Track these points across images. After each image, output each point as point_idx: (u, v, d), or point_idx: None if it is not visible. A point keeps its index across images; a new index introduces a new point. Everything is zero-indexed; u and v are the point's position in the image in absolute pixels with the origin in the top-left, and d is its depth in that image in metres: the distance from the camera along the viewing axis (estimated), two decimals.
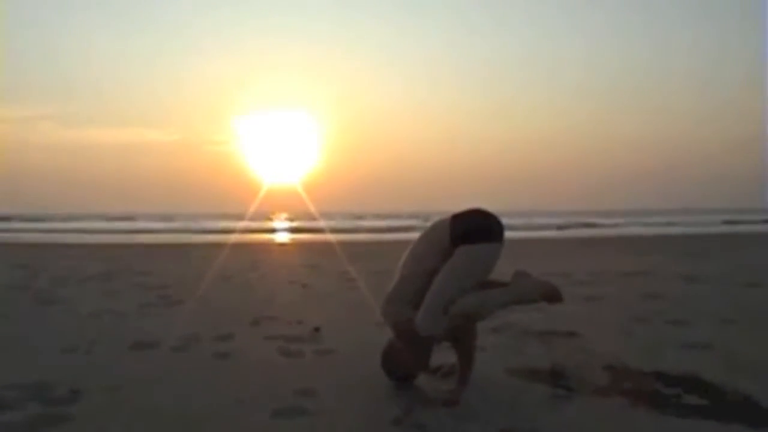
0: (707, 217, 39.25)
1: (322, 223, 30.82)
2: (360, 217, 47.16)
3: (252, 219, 35.57)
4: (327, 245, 14.52)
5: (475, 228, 2.59)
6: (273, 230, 28.50)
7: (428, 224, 2.90)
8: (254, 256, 11.10)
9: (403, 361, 2.75)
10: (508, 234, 2.75)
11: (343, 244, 13.99)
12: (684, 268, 7.82)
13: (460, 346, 2.75)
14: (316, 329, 4.11)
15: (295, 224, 35.79)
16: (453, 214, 2.69)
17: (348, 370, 3.14)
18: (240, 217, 37.90)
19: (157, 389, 2.84)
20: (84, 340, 3.85)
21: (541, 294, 2.56)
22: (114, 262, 9.61)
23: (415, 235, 3.09)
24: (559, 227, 28.08)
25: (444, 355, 3.10)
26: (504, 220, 2.74)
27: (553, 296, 2.56)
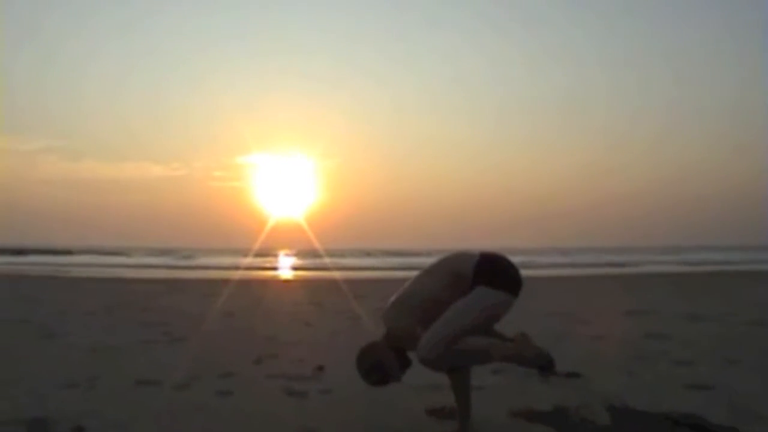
0: (712, 255, 38.98)
1: (327, 260, 30.78)
2: (366, 255, 47.09)
3: (256, 255, 35.61)
4: (332, 282, 14.50)
5: (501, 274, 2.63)
6: (277, 267, 28.48)
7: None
8: (257, 293, 11.10)
9: (383, 363, 2.68)
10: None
11: (348, 282, 13.96)
12: (688, 307, 7.78)
13: (456, 377, 2.73)
14: (320, 368, 4.11)
15: (299, 261, 35.76)
16: (481, 251, 2.71)
17: (351, 410, 3.13)
18: (244, 253, 37.91)
19: (159, 427, 2.84)
20: (86, 375, 3.86)
21: (537, 359, 2.57)
22: (116, 297, 9.64)
23: None
24: (567, 265, 27.95)
25: (444, 396, 3.10)
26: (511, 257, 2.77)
27: (547, 366, 2.59)
